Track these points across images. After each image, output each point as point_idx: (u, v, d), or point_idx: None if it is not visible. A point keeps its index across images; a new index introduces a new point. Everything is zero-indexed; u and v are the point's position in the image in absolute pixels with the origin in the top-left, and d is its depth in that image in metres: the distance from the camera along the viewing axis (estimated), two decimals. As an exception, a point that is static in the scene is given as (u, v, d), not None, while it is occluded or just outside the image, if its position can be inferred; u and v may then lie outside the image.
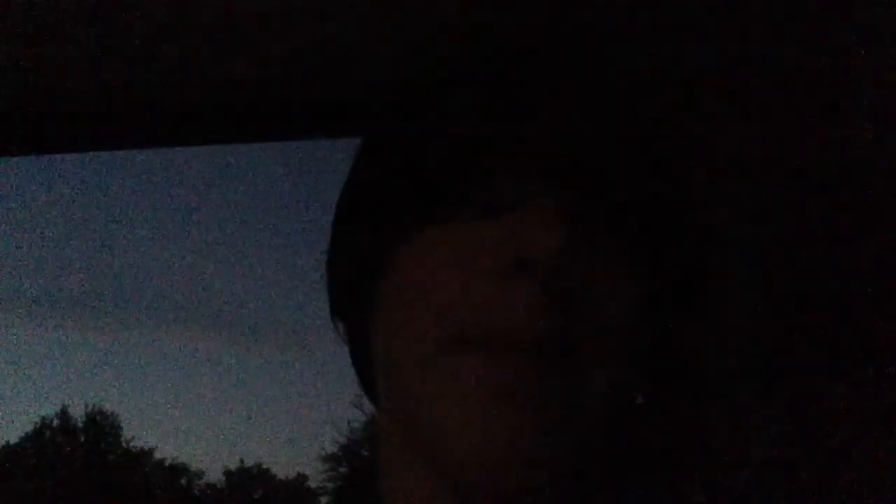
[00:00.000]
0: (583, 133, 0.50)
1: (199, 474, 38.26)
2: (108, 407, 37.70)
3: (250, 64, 0.83)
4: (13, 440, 34.98)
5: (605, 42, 0.56)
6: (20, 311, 53.82)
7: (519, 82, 0.52)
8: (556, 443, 0.46)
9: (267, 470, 38.76)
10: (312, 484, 35.59)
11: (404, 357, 0.50)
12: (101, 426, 36.13)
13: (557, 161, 0.49)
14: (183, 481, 37.62)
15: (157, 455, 37.62)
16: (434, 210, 0.50)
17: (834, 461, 0.68)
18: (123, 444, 36.37)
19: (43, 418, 35.72)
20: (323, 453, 31.82)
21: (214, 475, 39.99)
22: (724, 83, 0.74)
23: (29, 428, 35.47)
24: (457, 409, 0.46)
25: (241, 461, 39.59)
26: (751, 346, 0.73)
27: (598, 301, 0.48)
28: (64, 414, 35.94)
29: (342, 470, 31.61)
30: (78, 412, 36.34)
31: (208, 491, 37.84)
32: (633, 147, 0.51)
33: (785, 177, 0.73)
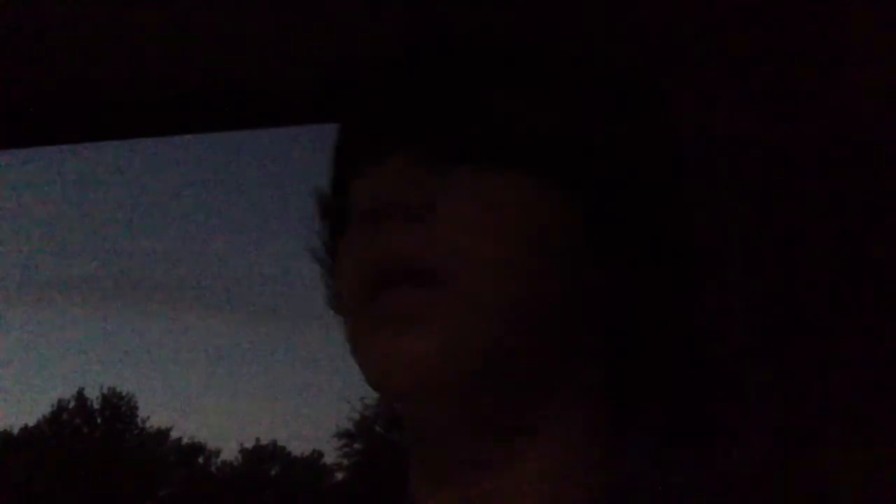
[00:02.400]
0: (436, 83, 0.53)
1: (216, 453, 38.61)
2: (124, 388, 37.98)
3: (240, 52, 0.88)
4: (31, 422, 35.38)
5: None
6: (36, 295, 54.17)
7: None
8: (447, 352, 0.49)
9: (283, 447, 39.06)
10: (328, 460, 35.92)
11: (348, 326, 0.54)
12: (118, 407, 36.39)
13: (415, 115, 0.53)
14: (200, 460, 37.94)
15: (174, 435, 37.96)
16: (346, 187, 0.55)
17: (828, 445, 0.69)
18: (140, 425, 36.70)
19: (60, 400, 36.08)
20: (337, 430, 32.08)
21: (231, 453, 40.33)
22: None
23: (47, 410, 35.86)
24: (358, 346, 0.53)
25: (257, 439, 39.90)
26: (748, 323, 0.74)
27: (459, 221, 0.50)
28: (80, 395, 36.23)
29: (357, 446, 31.84)
30: (94, 393, 36.70)
31: (225, 469, 38.15)
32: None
33: (779, 154, 0.74)
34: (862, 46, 0.72)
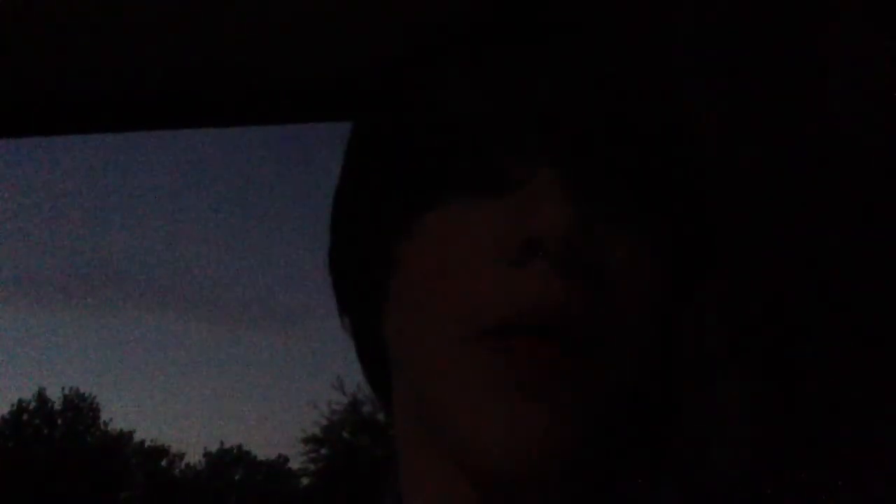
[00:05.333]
0: (582, 99, 0.46)
1: (180, 456, 38.27)
2: (85, 389, 37.56)
3: (240, 48, 0.87)
4: (-10, 423, 34.81)
5: (599, 4, 0.53)
6: (-5, 291, 53.42)
7: (508, 51, 0.48)
8: (574, 434, 0.44)
9: (248, 451, 38.82)
10: (293, 465, 35.72)
11: (419, 356, 0.47)
12: (79, 408, 35.95)
13: (558, 129, 0.45)
14: (163, 463, 37.59)
15: (137, 437, 37.57)
16: (431, 196, 0.47)
17: (813, 446, 0.70)
18: (102, 427, 36.28)
19: (20, 401, 35.55)
20: (304, 435, 31.94)
21: (194, 457, 40.03)
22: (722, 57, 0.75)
23: (5, 411, 35.33)
24: (477, 405, 0.44)
25: (222, 443, 39.64)
26: (730, 332, 0.74)
27: (621, 279, 0.45)
28: (41, 396, 35.74)
29: (323, 451, 31.73)
30: (55, 394, 36.19)
31: (188, 473, 37.83)
32: (637, 109, 0.47)
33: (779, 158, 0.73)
34: (847, 52, 0.72)
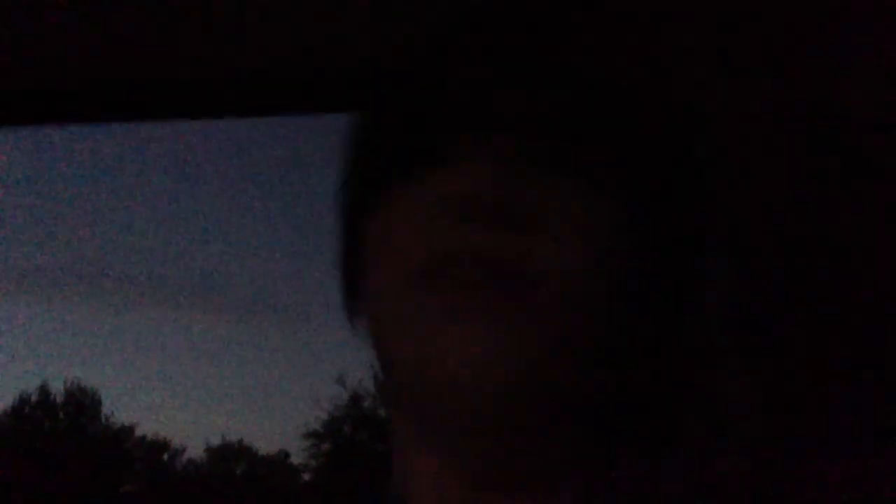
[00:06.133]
0: (521, 95, 0.52)
1: (181, 450, 38.30)
2: (87, 383, 37.59)
3: (241, 42, 0.83)
4: (-9, 416, 34.84)
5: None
6: (-2, 285, 53.43)
7: (470, 61, 0.54)
8: (509, 362, 0.47)
9: (249, 446, 38.86)
10: (295, 460, 35.75)
11: (373, 309, 0.53)
12: (81, 402, 35.98)
13: (491, 122, 0.51)
14: (164, 457, 37.61)
15: (138, 431, 37.61)
16: (390, 176, 0.53)
17: (810, 440, 0.71)
18: (103, 421, 36.31)
19: (22, 393, 35.59)
20: (305, 430, 31.93)
21: (196, 451, 40.06)
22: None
23: (7, 403, 35.35)
24: (414, 333, 0.49)
25: (223, 437, 39.67)
26: (731, 323, 0.74)
27: (554, 229, 0.49)
28: (43, 389, 35.77)
29: (324, 447, 31.73)
30: (57, 388, 36.23)
31: (190, 467, 37.86)
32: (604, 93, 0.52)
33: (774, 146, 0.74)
34: (857, 48, 0.73)
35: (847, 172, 0.72)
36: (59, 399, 35.66)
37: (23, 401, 35.28)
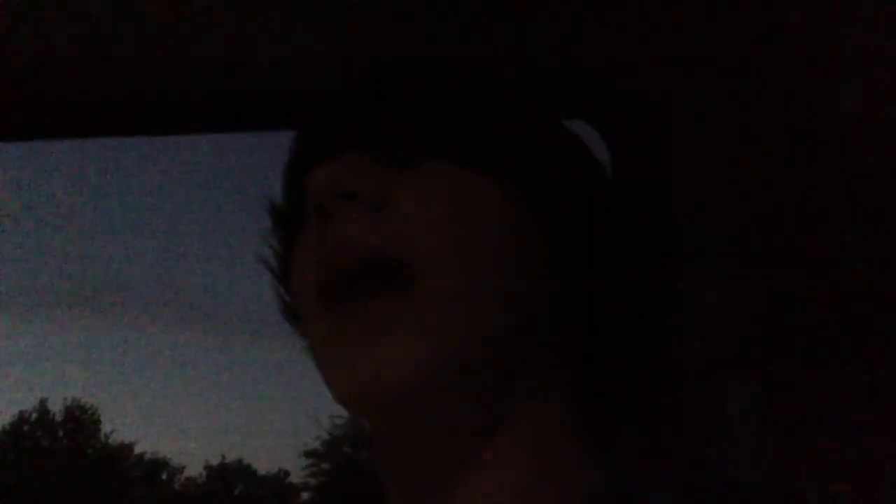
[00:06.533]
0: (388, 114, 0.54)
1: (180, 469, 38.12)
2: (86, 401, 37.45)
3: (248, 51, 0.83)
4: (-10, 433, 34.71)
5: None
6: (-1, 302, 53.36)
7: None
8: (418, 362, 0.48)
9: (248, 465, 38.67)
10: (294, 480, 35.55)
11: (307, 338, 0.55)
12: (80, 420, 35.85)
13: (358, 132, 0.53)
14: (163, 476, 37.44)
15: (137, 450, 37.44)
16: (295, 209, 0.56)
17: (807, 441, 0.71)
18: (103, 439, 36.16)
19: (21, 412, 35.48)
20: (305, 449, 31.80)
21: (195, 470, 39.81)
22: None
23: (6, 421, 35.23)
24: (321, 355, 0.51)
25: (223, 456, 39.48)
26: (728, 331, 0.75)
27: (435, 225, 0.50)
28: (42, 407, 35.65)
29: (324, 466, 31.57)
30: (56, 406, 36.10)
31: (189, 486, 37.67)
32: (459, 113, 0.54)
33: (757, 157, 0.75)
34: (852, 53, 0.74)
35: (846, 176, 0.73)
36: (58, 417, 35.58)
37: (22, 419, 35.19)
